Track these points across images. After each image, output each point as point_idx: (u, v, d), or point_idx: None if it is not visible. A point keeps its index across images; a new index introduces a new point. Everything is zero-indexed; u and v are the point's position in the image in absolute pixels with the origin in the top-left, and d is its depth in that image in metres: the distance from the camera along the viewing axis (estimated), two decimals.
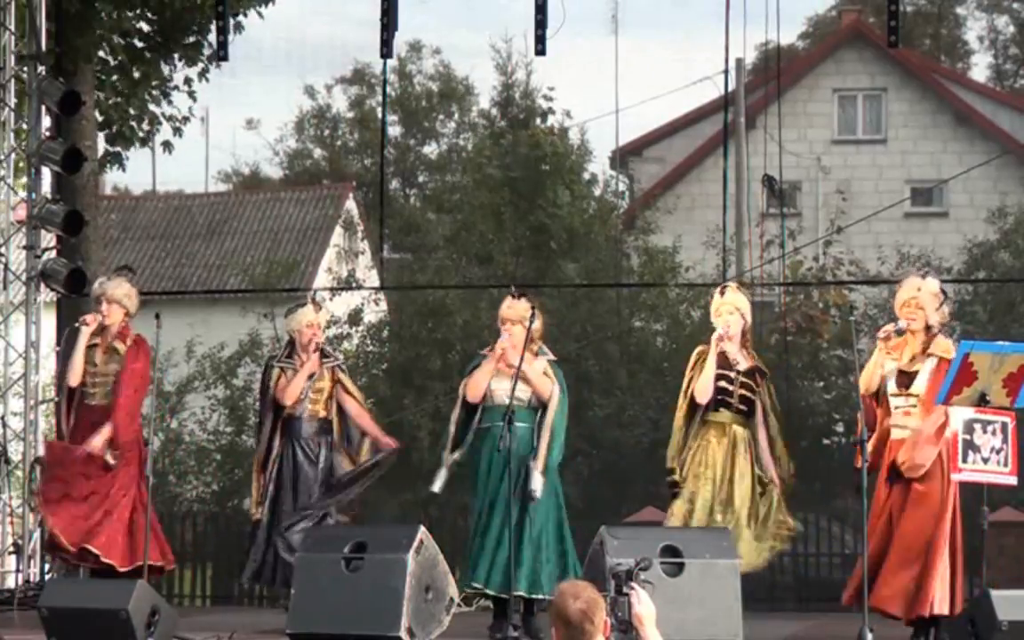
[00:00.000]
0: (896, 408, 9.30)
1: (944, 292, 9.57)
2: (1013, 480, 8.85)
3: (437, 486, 9.91)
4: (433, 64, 37.70)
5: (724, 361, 9.85)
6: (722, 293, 10.07)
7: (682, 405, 9.91)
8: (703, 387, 9.80)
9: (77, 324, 10.66)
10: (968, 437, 8.70)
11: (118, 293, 10.71)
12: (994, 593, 8.37)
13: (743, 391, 9.86)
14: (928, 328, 9.35)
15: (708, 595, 8.82)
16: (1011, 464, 8.76)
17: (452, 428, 9.94)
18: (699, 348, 10.05)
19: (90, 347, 10.69)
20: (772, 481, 9.87)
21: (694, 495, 9.77)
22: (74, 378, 10.60)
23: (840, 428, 18.70)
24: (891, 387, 9.31)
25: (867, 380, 9.41)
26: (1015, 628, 8.16)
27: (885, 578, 9.13)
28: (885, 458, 9.28)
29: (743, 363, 9.90)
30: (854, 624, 9.00)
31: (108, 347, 10.68)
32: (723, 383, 9.82)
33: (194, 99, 15.20)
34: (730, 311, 9.93)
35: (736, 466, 9.79)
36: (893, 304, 9.86)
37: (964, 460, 8.70)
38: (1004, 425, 8.74)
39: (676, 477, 9.77)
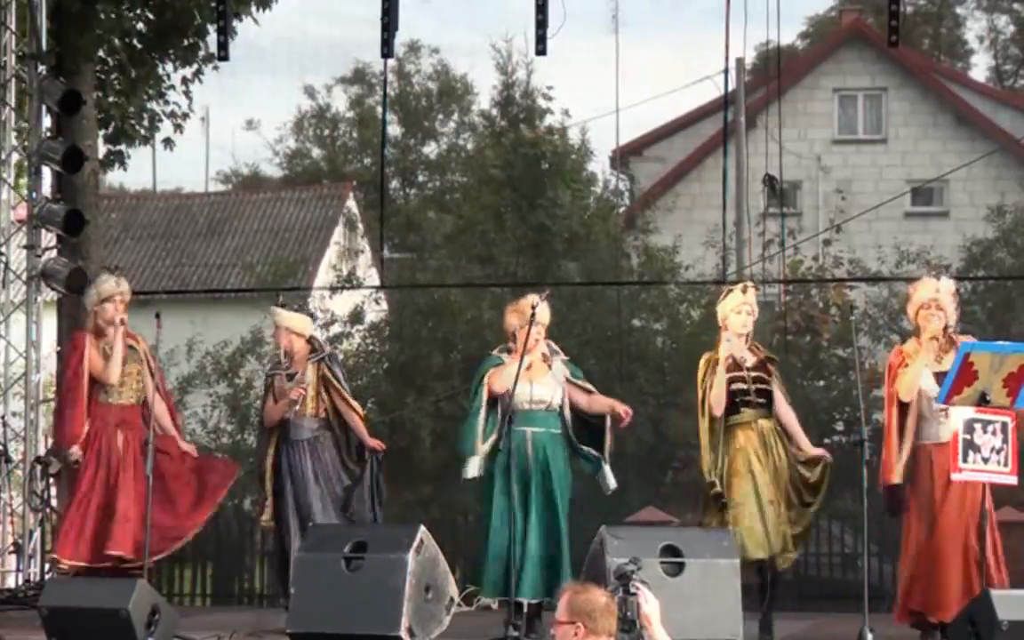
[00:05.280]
0: (936, 410, 9.31)
1: (958, 290, 9.67)
2: (1013, 480, 8.86)
3: (472, 472, 9.78)
4: (432, 63, 37.76)
5: (733, 363, 9.88)
6: (744, 291, 10.06)
7: (703, 419, 9.90)
8: (716, 399, 9.80)
9: (120, 322, 10.56)
10: (968, 437, 8.70)
11: (128, 295, 10.72)
12: (994, 593, 8.39)
13: (757, 385, 9.89)
14: (945, 327, 9.44)
15: (708, 595, 8.83)
16: (1011, 464, 8.77)
17: (480, 420, 9.82)
18: (706, 355, 10.04)
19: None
20: (823, 455, 9.87)
21: (744, 498, 9.75)
22: (115, 376, 10.54)
23: (840, 427, 18.70)
24: (931, 390, 9.31)
25: (911, 386, 9.40)
26: (1015, 628, 8.17)
27: (944, 583, 9.16)
28: (930, 463, 9.30)
29: (751, 359, 9.94)
30: (854, 624, 9.01)
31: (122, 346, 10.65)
32: (737, 385, 9.84)
33: (190, 98, 15.21)
34: (749, 311, 9.97)
35: (771, 459, 9.80)
36: (908, 307, 9.86)
37: (964, 460, 8.70)
38: (1004, 425, 8.74)
39: (719, 489, 9.74)
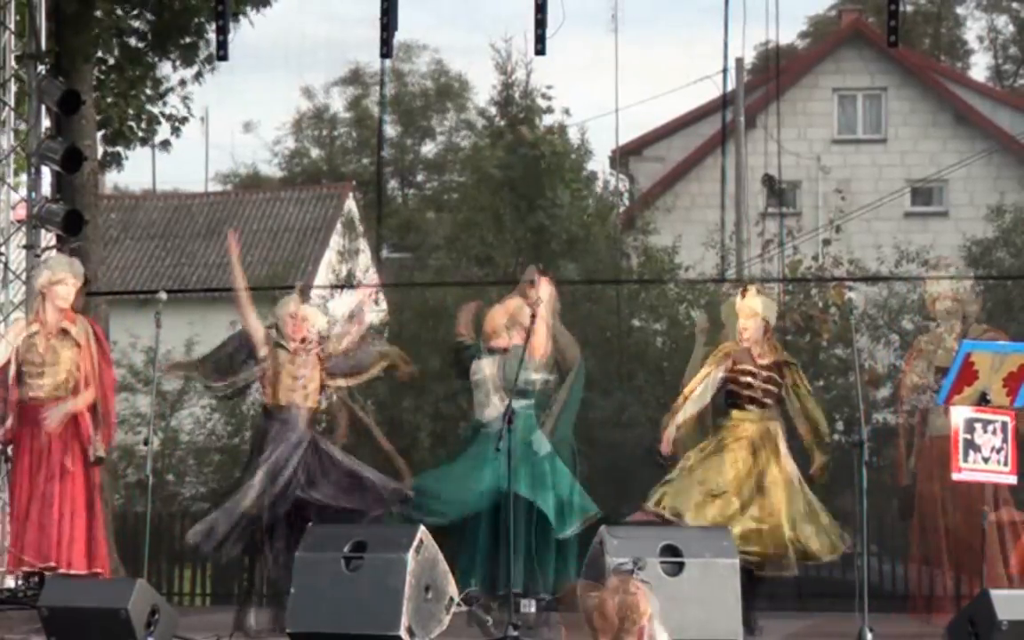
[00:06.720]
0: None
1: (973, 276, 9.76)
2: (1013, 479, 8.88)
3: None
4: (428, 62, 37.75)
5: (748, 359, 9.93)
6: (743, 295, 10.11)
7: (693, 383, 10.00)
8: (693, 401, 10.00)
9: None
10: (968, 436, 8.72)
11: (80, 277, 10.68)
12: (994, 593, 8.38)
13: (767, 386, 9.94)
14: (964, 318, 9.46)
15: (708, 595, 8.82)
16: (1011, 463, 8.78)
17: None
18: (723, 347, 10.16)
19: (30, 336, 10.55)
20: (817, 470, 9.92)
21: (718, 495, 9.80)
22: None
23: (840, 427, 18.69)
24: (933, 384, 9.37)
25: (910, 385, 9.47)
26: (1015, 628, 8.17)
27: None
28: (933, 457, 9.34)
29: (767, 358, 9.98)
30: (854, 624, 9.00)
31: (53, 332, 10.53)
32: (748, 379, 9.90)
33: (188, 104, 15.22)
34: (749, 315, 10.00)
35: (763, 464, 9.83)
36: (927, 302, 9.92)
37: (965, 459, 8.72)
38: (1004, 424, 8.76)
39: (660, 458, 9.95)
